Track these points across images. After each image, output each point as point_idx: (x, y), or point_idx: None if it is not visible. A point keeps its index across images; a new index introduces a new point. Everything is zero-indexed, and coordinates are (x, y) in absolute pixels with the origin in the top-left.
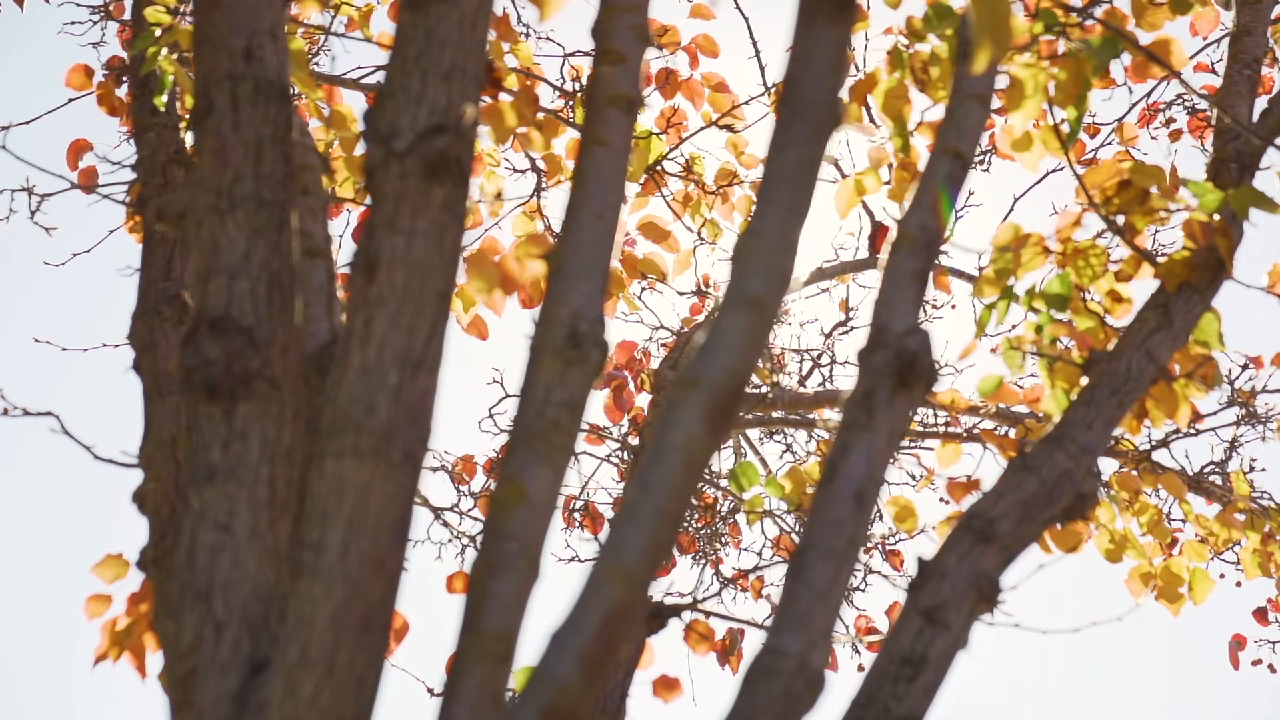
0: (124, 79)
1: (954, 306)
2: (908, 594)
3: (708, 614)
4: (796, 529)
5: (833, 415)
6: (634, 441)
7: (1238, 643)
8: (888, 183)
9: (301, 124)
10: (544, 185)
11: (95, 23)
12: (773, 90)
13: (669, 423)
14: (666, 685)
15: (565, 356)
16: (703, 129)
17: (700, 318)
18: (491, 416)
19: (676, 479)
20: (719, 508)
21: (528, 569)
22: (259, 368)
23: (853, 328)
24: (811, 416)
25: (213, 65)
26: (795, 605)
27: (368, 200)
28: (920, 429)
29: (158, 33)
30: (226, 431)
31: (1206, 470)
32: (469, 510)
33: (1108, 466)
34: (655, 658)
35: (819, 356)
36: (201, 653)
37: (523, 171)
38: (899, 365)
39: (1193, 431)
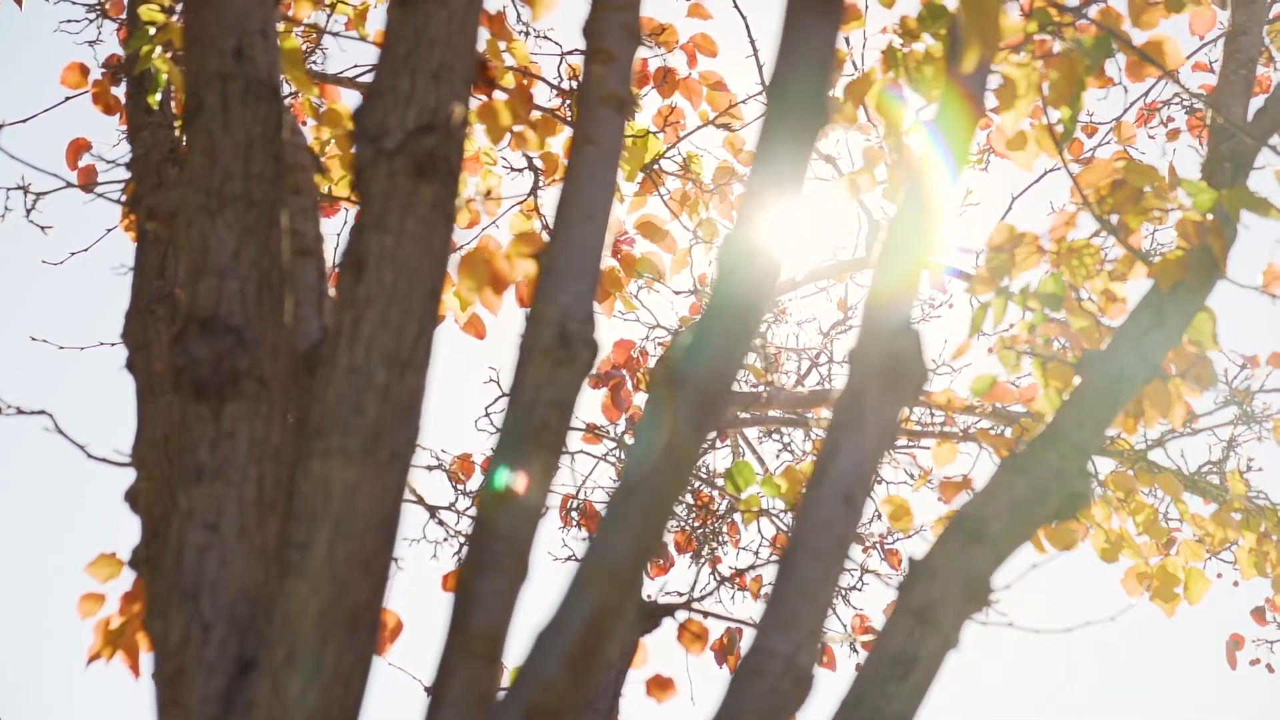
0: (120, 77)
1: (950, 306)
2: (898, 594)
3: (704, 614)
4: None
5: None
6: (630, 441)
7: (1235, 642)
8: (883, 181)
9: (293, 123)
10: (541, 184)
11: (92, 21)
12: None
13: (654, 423)
14: (660, 685)
15: (555, 356)
16: (700, 128)
17: (698, 317)
18: (488, 415)
19: (662, 479)
20: (716, 507)
21: (516, 569)
22: (248, 367)
23: (850, 327)
24: (809, 416)
25: (203, 64)
26: (783, 605)
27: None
28: (917, 428)
29: (152, 31)
30: (215, 431)
31: (1203, 470)
32: (465, 509)
33: (1104, 466)
34: (650, 657)
35: (816, 356)
36: (189, 652)
37: (520, 170)
38: (888, 366)
39: (1189, 431)
